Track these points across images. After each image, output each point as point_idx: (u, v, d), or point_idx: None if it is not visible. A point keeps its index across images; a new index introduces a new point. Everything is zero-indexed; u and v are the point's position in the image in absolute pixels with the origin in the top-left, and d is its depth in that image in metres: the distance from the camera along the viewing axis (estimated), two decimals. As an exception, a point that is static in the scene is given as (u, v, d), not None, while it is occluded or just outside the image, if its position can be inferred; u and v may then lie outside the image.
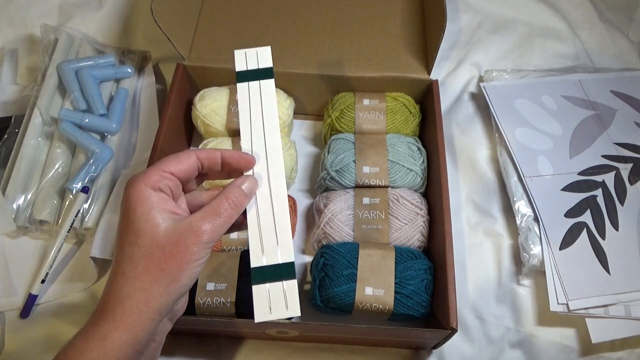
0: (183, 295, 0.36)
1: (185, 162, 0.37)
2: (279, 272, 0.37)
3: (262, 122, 0.42)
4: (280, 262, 0.37)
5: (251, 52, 0.46)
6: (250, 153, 0.40)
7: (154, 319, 0.33)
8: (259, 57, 0.45)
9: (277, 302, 0.36)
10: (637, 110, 0.70)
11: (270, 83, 0.44)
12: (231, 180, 0.39)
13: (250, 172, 0.40)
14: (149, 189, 0.34)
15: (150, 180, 0.35)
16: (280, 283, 0.37)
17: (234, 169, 0.39)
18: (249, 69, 0.45)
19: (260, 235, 0.38)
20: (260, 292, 0.37)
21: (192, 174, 0.38)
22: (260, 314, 0.36)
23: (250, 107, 0.43)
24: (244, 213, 0.38)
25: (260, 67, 0.45)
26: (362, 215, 0.57)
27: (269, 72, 0.44)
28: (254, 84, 0.44)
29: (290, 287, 0.37)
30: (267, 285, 0.37)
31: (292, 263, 0.37)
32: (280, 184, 0.39)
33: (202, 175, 0.40)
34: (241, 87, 0.44)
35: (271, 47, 0.67)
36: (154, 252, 0.33)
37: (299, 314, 0.36)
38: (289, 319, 0.55)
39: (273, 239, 0.38)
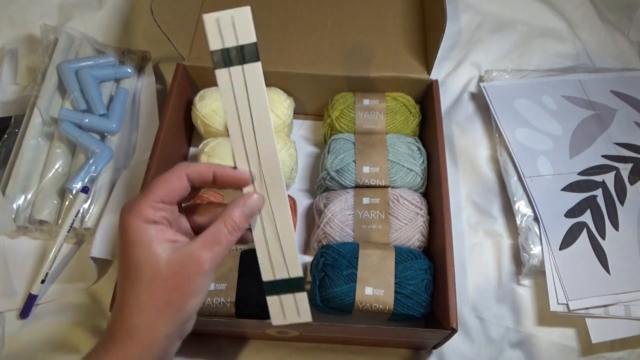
0: (188, 321, 0.36)
1: (176, 185, 0.35)
2: (289, 286, 0.38)
3: (251, 125, 0.36)
4: (289, 277, 0.38)
5: (225, 17, 0.34)
6: (245, 160, 0.36)
7: (162, 345, 0.34)
8: (237, 25, 0.34)
9: (290, 310, 0.39)
10: (637, 110, 0.70)
11: (255, 68, 0.35)
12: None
13: (250, 188, 0.37)
14: (144, 223, 0.34)
15: (143, 215, 0.34)
16: (291, 295, 0.38)
17: (227, 185, 0.37)
18: (226, 46, 0.35)
19: (268, 250, 0.38)
20: (274, 302, 0.38)
21: (185, 194, 0.36)
22: (276, 318, 0.39)
23: (237, 105, 0.35)
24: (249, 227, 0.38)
25: (241, 42, 0.34)
26: (362, 215, 0.57)
27: (253, 51, 0.34)
28: (236, 71, 0.35)
29: (301, 298, 0.38)
30: (280, 296, 0.38)
31: (301, 278, 0.38)
32: (281, 194, 0.37)
33: (196, 189, 0.38)
34: (220, 74, 0.35)
35: (271, 47, 0.67)
36: (157, 284, 0.33)
37: (310, 319, 0.38)
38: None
39: (279, 255, 0.38)
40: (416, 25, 0.68)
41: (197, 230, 0.38)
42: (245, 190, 0.37)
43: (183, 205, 0.39)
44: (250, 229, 0.38)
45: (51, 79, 0.68)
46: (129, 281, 0.34)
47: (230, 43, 0.35)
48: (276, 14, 0.69)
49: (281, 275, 0.38)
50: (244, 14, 0.34)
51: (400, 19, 0.69)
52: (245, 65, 0.35)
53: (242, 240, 0.38)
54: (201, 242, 0.35)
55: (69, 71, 0.67)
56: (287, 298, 0.38)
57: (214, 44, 0.35)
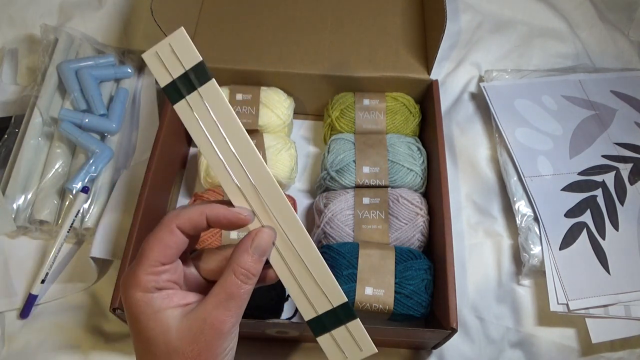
0: None
1: (170, 242, 0.31)
2: (337, 317, 0.34)
3: (230, 149, 0.32)
4: (333, 307, 0.34)
5: (164, 48, 0.32)
6: (239, 192, 0.33)
7: None
8: (178, 51, 0.32)
9: (348, 346, 0.34)
10: (637, 110, 0.70)
11: (211, 87, 0.32)
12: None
13: (255, 223, 0.33)
14: (146, 294, 0.30)
15: (142, 285, 0.30)
16: (343, 327, 0.34)
17: (228, 227, 0.33)
18: (174, 77, 0.32)
19: (299, 284, 0.34)
20: (327, 342, 0.34)
21: (183, 248, 0.32)
22: (336, 359, 0.34)
23: (208, 134, 0.32)
24: (267, 263, 0.34)
25: (188, 67, 0.32)
26: (362, 215, 0.57)
27: (202, 70, 0.32)
28: (193, 98, 0.32)
29: (356, 327, 0.34)
30: (332, 332, 0.34)
31: (347, 303, 0.34)
32: (290, 215, 0.33)
33: (196, 236, 0.35)
34: (180, 108, 0.32)
35: (271, 47, 0.67)
36: (173, 358, 0.30)
37: (375, 350, 0.34)
38: (289, 319, 0.55)
39: (314, 285, 0.34)
40: (416, 25, 0.68)
41: (209, 277, 0.34)
42: (251, 226, 0.33)
43: (190, 254, 0.35)
44: (269, 266, 0.33)
45: (51, 79, 0.68)
46: (144, 357, 0.31)
47: (178, 72, 0.32)
48: (276, 14, 0.69)
49: (323, 308, 0.34)
50: (181, 37, 0.32)
51: (400, 19, 0.69)
52: (200, 89, 0.32)
53: (265, 279, 0.34)
54: (214, 302, 0.31)
55: (69, 71, 0.67)
56: (340, 332, 0.34)
57: (163, 80, 0.32)
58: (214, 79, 0.32)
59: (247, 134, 0.32)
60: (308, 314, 0.34)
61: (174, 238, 0.31)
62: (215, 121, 0.32)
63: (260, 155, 0.33)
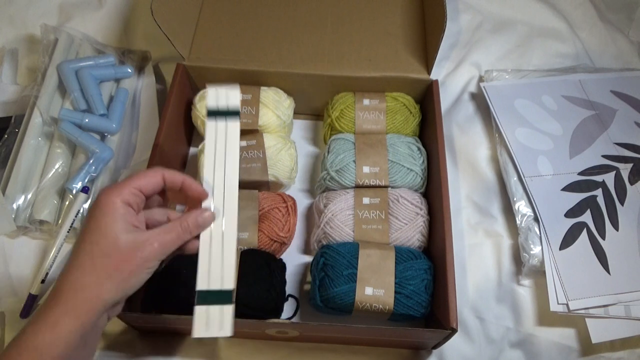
0: (125, 297, 0.40)
1: (153, 179, 0.42)
2: (219, 297, 0.42)
3: (224, 161, 0.46)
4: (221, 289, 0.42)
5: (222, 90, 0.48)
6: (212, 184, 0.44)
7: (100, 311, 0.38)
8: (229, 96, 0.48)
9: (213, 322, 0.41)
10: (637, 110, 0.70)
11: (235, 125, 0.47)
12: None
13: (210, 206, 0.44)
14: (120, 202, 0.39)
15: (122, 194, 0.39)
16: (219, 307, 0.42)
17: (189, 196, 0.44)
18: (219, 106, 0.47)
19: (209, 262, 0.43)
20: (201, 312, 0.41)
21: (157, 191, 0.43)
22: (198, 330, 0.41)
23: (216, 145, 0.46)
24: (198, 239, 0.43)
25: (229, 107, 0.47)
26: (362, 215, 0.57)
27: (236, 113, 0.47)
28: (221, 123, 0.47)
29: (227, 311, 0.42)
30: (209, 307, 0.42)
31: (233, 290, 0.42)
32: (233, 220, 0.44)
33: (163, 192, 0.44)
34: (209, 124, 0.47)
35: (271, 47, 0.67)
36: (112, 253, 0.38)
37: (229, 334, 0.41)
38: (289, 318, 0.55)
39: (219, 267, 0.43)
40: (416, 25, 0.68)
41: (151, 225, 0.43)
42: (204, 205, 0.44)
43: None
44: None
45: (51, 79, 0.68)
46: (89, 244, 0.38)
47: (223, 106, 0.47)
48: (276, 14, 0.69)
49: (215, 286, 0.42)
50: (235, 90, 0.48)
51: (400, 19, 0.69)
52: (228, 122, 0.47)
53: (185, 249, 0.43)
54: (157, 231, 0.40)
55: (69, 71, 0.67)
56: (215, 309, 0.41)
57: (211, 103, 0.47)
58: (239, 121, 0.47)
59: (238, 160, 0.46)
60: (202, 285, 0.42)
61: (156, 179, 0.42)
62: (226, 142, 0.46)
63: (237, 177, 0.45)
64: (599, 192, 0.63)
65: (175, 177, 0.43)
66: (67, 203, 0.62)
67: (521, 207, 0.62)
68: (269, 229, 0.57)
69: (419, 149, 0.62)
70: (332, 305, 0.53)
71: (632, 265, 0.58)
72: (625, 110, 0.70)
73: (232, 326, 0.41)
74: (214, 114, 0.47)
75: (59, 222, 0.61)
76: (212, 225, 0.43)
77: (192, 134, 0.70)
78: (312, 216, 0.63)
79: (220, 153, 0.46)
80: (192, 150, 0.69)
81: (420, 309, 0.52)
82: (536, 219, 0.61)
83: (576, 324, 0.58)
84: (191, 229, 0.42)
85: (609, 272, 0.58)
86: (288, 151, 0.62)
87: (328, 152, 0.62)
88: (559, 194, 0.63)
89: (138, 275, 0.39)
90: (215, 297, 0.42)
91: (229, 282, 0.43)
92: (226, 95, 0.48)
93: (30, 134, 0.64)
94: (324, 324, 0.49)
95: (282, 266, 0.56)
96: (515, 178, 0.64)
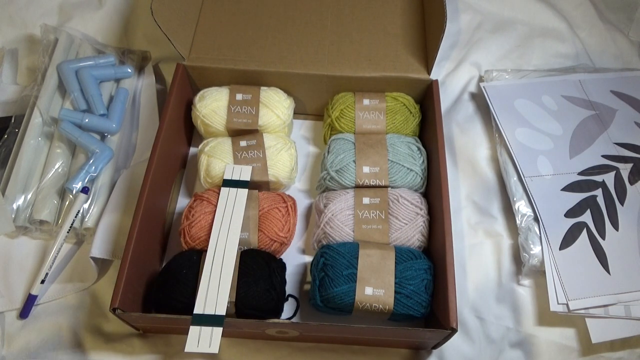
0: None
1: None
2: (212, 320, 0.49)
3: (230, 217, 0.56)
4: (215, 313, 0.49)
5: (238, 168, 0.59)
6: (216, 240, 0.54)
7: None
8: (242, 172, 0.59)
9: (204, 340, 0.48)
10: (637, 110, 0.70)
11: (244, 192, 0.58)
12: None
13: (213, 253, 0.53)
14: None
15: None
16: (211, 328, 0.49)
17: None
18: (233, 178, 0.59)
19: (207, 292, 0.50)
20: (195, 331, 0.48)
21: None
22: (190, 346, 0.48)
23: (226, 206, 0.57)
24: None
25: (241, 179, 0.59)
26: (362, 215, 0.57)
27: (245, 184, 0.58)
28: (233, 190, 0.58)
29: (217, 332, 0.48)
30: (202, 327, 0.48)
31: (224, 315, 0.49)
32: (231, 263, 0.52)
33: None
34: (224, 190, 0.58)
35: (271, 47, 0.67)
36: None
37: (216, 352, 0.48)
38: (289, 318, 0.56)
39: (214, 296, 0.50)
40: (416, 25, 0.68)
41: None
42: (209, 248, 0.54)
43: None
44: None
45: (51, 79, 0.68)
46: None
47: (236, 177, 0.59)
48: (276, 14, 0.69)
49: (209, 311, 0.49)
50: (248, 169, 0.60)
51: (400, 19, 0.69)
52: (239, 189, 0.58)
53: None
54: None
55: (69, 71, 0.67)
56: (207, 330, 0.48)
57: (227, 176, 0.59)
58: (247, 189, 0.58)
59: (242, 217, 0.56)
60: (198, 310, 0.50)
61: None
62: (234, 204, 0.57)
63: (240, 231, 0.55)
64: (599, 192, 0.63)
65: None
66: (67, 203, 0.62)
67: (521, 207, 0.62)
68: (269, 229, 0.57)
69: (419, 149, 0.62)
70: (332, 305, 0.53)
71: (632, 265, 0.58)
72: (625, 110, 0.70)
73: (219, 345, 0.48)
74: (228, 183, 0.58)
75: (59, 222, 0.61)
76: (215, 257, 0.52)
77: (192, 134, 0.70)
78: (312, 216, 0.63)
79: (228, 213, 0.56)
80: (192, 150, 0.69)
81: (420, 309, 0.52)
82: (536, 219, 0.61)
83: (576, 324, 0.58)
84: None
85: (609, 272, 0.58)
86: (288, 151, 0.62)
87: (328, 152, 0.62)
88: (558, 194, 0.63)
89: None
90: (208, 320, 0.49)
91: (221, 308, 0.50)
92: (240, 172, 0.59)
93: (30, 134, 0.64)
94: (324, 324, 0.49)
95: (282, 266, 0.56)
96: (515, 178, 0.64)
